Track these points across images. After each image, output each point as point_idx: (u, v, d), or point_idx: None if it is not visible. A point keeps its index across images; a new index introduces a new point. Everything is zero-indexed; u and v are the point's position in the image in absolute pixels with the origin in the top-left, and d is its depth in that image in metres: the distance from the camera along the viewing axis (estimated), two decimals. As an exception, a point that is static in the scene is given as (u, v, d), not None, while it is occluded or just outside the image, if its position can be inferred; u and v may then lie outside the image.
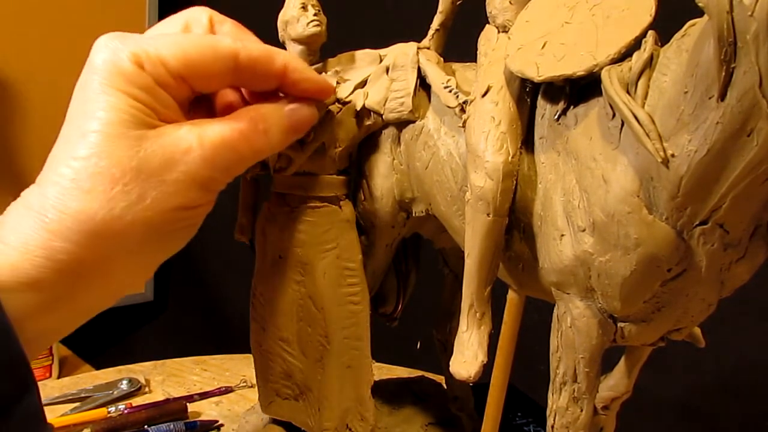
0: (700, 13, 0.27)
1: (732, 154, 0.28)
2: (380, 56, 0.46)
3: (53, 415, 0.65)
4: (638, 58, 0.32)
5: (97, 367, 0.85)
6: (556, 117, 0.37)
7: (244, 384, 0.73)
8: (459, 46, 0.46)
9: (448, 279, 0.55)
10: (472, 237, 0.38)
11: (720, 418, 0.76)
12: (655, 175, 0.31)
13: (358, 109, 0.45)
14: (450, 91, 0.41)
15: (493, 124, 0.37)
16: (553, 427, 0.39)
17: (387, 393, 0.58)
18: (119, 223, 0.31)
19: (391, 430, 0.54)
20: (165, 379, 0.75)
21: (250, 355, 0.51)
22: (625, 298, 0.34)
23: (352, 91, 0.45)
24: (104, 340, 1.40)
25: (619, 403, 0.44)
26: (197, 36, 0.35)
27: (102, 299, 0.34)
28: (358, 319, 0.47)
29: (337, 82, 0.46)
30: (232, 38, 0.36)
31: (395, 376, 0.63)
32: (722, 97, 0.27)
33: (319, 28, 0.45)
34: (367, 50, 0.46)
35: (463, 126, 0.39)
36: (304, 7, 0.45)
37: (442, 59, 0.44)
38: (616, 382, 0.43)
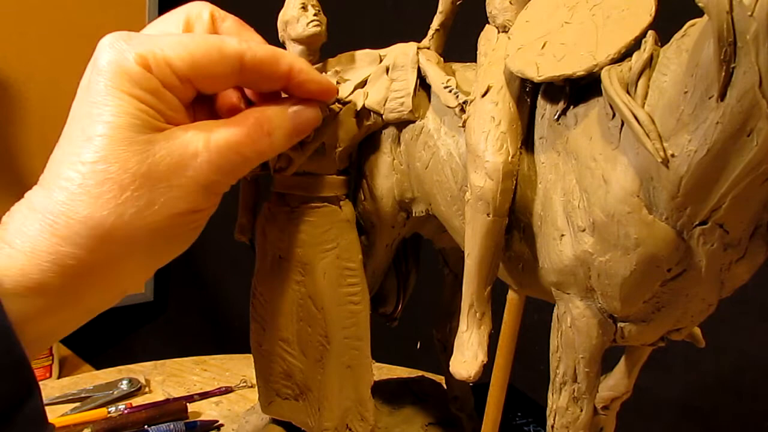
0: (700, 13, 0.27)
1: (732, 154, 0.28)
2: (380, 56, 0.46)
3: (53, 415, 0.65)
4: (638, 58, 0.32)
5: (97, 367, 0.85)
6: (556, 117, 0.37)
7: (244, 384, 0.73)
8: (459, 46, 0.46)
9: (448, 279, 0.55)
10: (472, 237, 0.38)
11: (720, 418, 0.76)
12: (655, 175, 0.31)
13: (358, 109, 0.45)
14: (450, 91, 0.41)
15: (493, 124, 0.37)
16: (553, 427, 0.39)
17: (387, 393, 0.58)
18: (128, 228, 0.31)
19: (391, 430, 0.54)
20: (165, 379, 0.75)
21: (250, 355, 0.51)
22: (625, 298, 0.34)
23: (352, 91, 0.45)
24: (104, 340, 1.40)
25: (619, 403, 0.44)
26: (203, 37, 0.35)
27: (104, 301, 0.34)
28: (358, 319, 0.47)
29: (338, 82, 0.46)
30: (238, 39, 0.35)
31: (395, 376, 0.63)
32: (722, 97, 0.27)
33: (319, 28, 0.45)
34: (367, 50, 0.46)
35: (463, 126, 0.39)
36: (304, 7, 0.45)
37: (442, 59, 0.44)
38: (616, 382, 0.43)
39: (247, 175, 0.49)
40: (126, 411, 0.66)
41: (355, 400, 0.48)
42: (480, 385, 0.45)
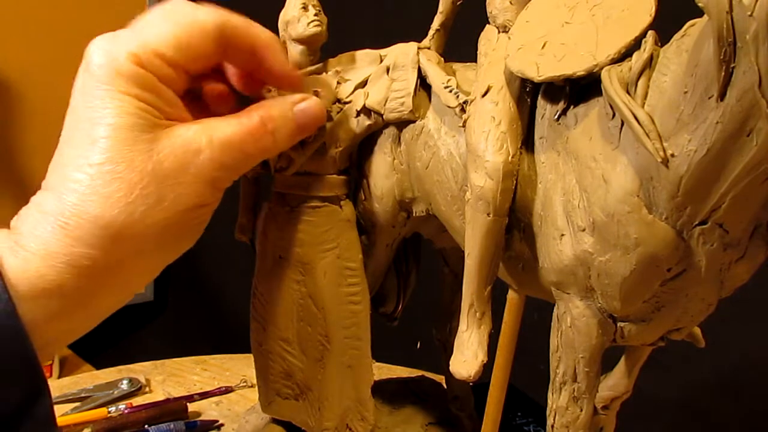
0: (700, 13, 0.27)
1: (731, 154, 0.28)
2: (380, 56, 0.46)
3: (53, 414, 0.65)
4: (638, 58, 0.32)
5: (98, 367, 0.85)
6: (556, 117, 0.37)
7: (245, 384, 0.73)
8: (459, 46, 0.46)
9: (448, 279, 0.55)
10: (472, 237, 0.38)
11: (720, 418, 0.76)
12: (655, 175, 0.31)
13: (359, 109, 0.45)
14: (450, 91, 0.41)
15: (493, 124, 0.37)
16: (552, 426, 0.39)
17: (387, 393, 0.58)
18: (139, 226, 0.32)
19: (391, 430, 0.54)
20: (165, 378, 0.75)
21: (250, 355, 0.51)
22: (624, 297, 0.34)
23: (353, 91, 0.45)
24: (104, 340, 1.40)
25: (619, 402, 0.44)
26: (180, 17, 0.35)
27: (115, 302, 0.34)
28: (358, 319, 0.47)
29: (338, 82, 0.46)
30: (210, 8, 0.35)
31: (395, 376, 0.63)
32: (722, 96, 0.27)
33: (319, 28, 0.45)
34: (368, 50, 0.46)
35: (464, 126, 0.39)
36: (305, 7, 0.45)
37: (442, 59, 0.44)
38: (616, 382, 0.43)
39: (247, 175, 0.49)
40: (126, 411, 0.66)
41: (355, 400, 0.48)
42: (480, 385, 0.45)
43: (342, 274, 0.47)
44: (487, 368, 0.41)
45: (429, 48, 0.45)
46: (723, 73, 0.26)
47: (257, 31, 0.37)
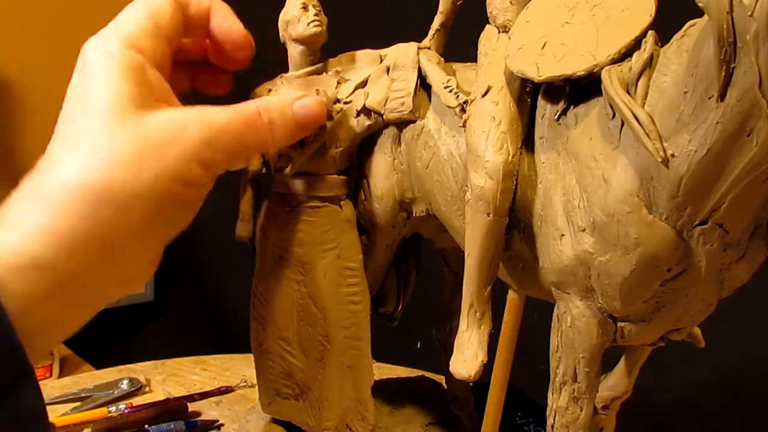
0: (700, 13, 0.27)
1: (732, 154, 0.28)
2: (380, 56, 0.46)
3: (53, 414, 0.65)
4: (638, 58, 0.32)
5: (98, 367, 0.85)
6: (556, 117, 0.37)
7: (245, 384, 0.73)
8: (459, 46, 0.46)
9: (448, 279, 0.55)
10: (472, 237, 0.38)
11: (720, 418, 0.76)
12: (655, 175, 0.31)
13: (359, 109, 0.45)
14: (450, 91, 0.41)
15: (493, 124, 0.37)
16: (553, 426, 0.39)
17: (387, 393, 0.58)
18: (119, 195, 0.31)
19: (391, 430, 0.54)
20: (165, 378, 0.75)
21: (251, 355, 0.51)
22: (624, 297, 0.34)
23: (353, 91, 0.45)
24: (104, 340, 1.40)
25: (619, 402, 0.44)
26: (147, 3, 0.36)
27: (105, 286, 0.33)
28: (358, 319, 0.47)
29: (338, 82, 0.46)
30: None
31: (395, 376, 0.63)
32: (722, 97, 0.27)
33: (319, 28, 0.45)
34: (368, 50, 0.46)
35: (464, 126, 0.39)
36: (305, 7, 0.45)
37: (442, 59, 0.44)
38: (616, 382, 0.43)
39: (247, 175, 0.49)
40: (126, 411, 0.65)
41: (355, 400, 0.48)
42: (480, 385, 0.45)
43: (342, 274, 0.47)
44: (487, 368, 0.41)
45: (429, 48, 0.45)
46: (723, 74, 0.26)
47: None
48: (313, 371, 0.48)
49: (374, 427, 0.48)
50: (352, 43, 0.48)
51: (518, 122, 0.38)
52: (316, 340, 0.48)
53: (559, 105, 0.36)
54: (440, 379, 0.61)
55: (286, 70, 0.47)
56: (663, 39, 0.32)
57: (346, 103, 0.45)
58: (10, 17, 1.19)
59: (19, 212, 0.30)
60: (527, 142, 0.38)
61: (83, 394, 0.69)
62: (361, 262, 0.47)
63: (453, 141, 0.42)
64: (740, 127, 0.27)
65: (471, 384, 0.53)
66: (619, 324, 0.36)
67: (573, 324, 0.37)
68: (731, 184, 0.29)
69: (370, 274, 0.48)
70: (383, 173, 0.46)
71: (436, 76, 0.42)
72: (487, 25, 0.42)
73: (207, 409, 0.68)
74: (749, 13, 0.24)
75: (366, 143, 0.47)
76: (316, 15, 0.45)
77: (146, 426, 0.62)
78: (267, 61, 0.44)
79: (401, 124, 0.45)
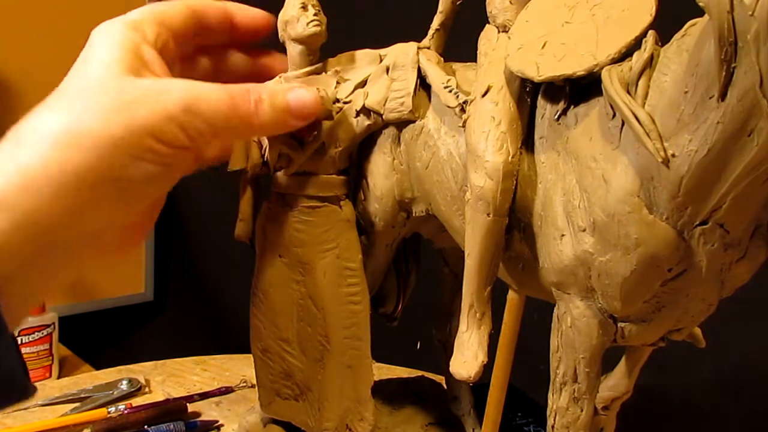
0: (700, 13, 0.27)
1: (732, 154, 0.28)
2: (380, 56, 0.46)
3: (53, 415, 0.65)
4: (638, 58, 0.32)
5: (97, 367, 0.85)
6: (556, 117, 0.37)
7: (244, 384, 0.73)
8: (459, 46, 0.46)
9: (448, 279, 0.55)
10: (472, 237, 0.38)
11: (720, 418, 0.76)
12: (656, 175, 0.31)
13: (358, 108, 0.45)
14: (450, 91, 0.41)
15: (493, 124, 0.37)
16: (553, 427, 0.39)
17: (387, 393, 0.58)
18: (85, 140, 0.31)
19: (391, 430, 0.54)
20: (165, 379, 0.75)
21: (250, 355, 0.51)
22: (625, 297, 0.34)
23: (352, 91, 0.45)
24: (104, 340, 1.40)
25: (619, 403, 0.44)
26: (157, 4, 0.39)
27: (75, 243, 0.33)
28: (358, 319, 0.47)
29: (337, 82, 0.46)
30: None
31: (395, 376, 0.63)
32: (723, 96, 0.27)
33: (319, 28, 0.45)
34: (367, 50, 0.46)
35: (463, 126, 0.39)
36: (304, 7, 0.45)
37: (442, 59, 0.44)
38: (616, 382, 0.43)
39: (247, 175, 0.49)
40: (126, 411, 0.65)
41: (355, 400, 0.48)
42: (480, 385, 0.45)
43: (342, 274, 0.46)
44: (487, 368, 0.41)
45: (429, 48, 0.45)
46: (724, 73, 0.26)
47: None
48: (313, 371, 0.48)
49: (374, 427, 0.48)
50: (351, 43, 0.48)
51: (518, 122, 0.38)
52: (316, 340, 0.47)
53: (559, 105, 0.36)
54: (440, 379, 0.61)
55: (285, 69, 0.47)
56: (663, 39, 0.32)
57: (345, 103, 0.45)
58: (10, 17, 1.19)
59: None
60: (527, 142, 0.38)
61: (83, 395, 0.69)
62: (360, 262, 0.47)
63: (453, 141, 0.42)
64: (741, 127, 0.27)
65: (471, 384, 0.53)
66: (620, 324, 0.36)
67: (573, 324, 0.37)
68: (732, 184, 0.29)
69: (369, 274, 0.48)
70: (383, 173, 0.46)
71: (435, 75, 0.42)
72: (487, 25, 0.42)
73: (207, 410, 0.68)
74: (750, 13, 0.24)
75: (365, 143, 0.47)
76: (315, 15, 0.45)
77: (146, 426, 0.62)
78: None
79: (401, 124, 0.44)
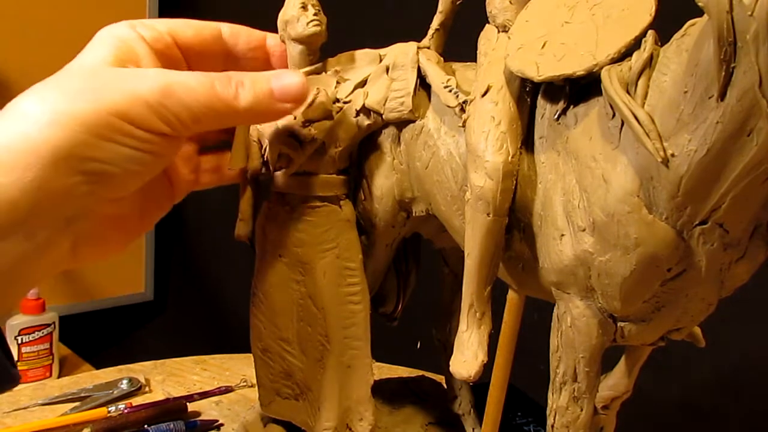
0: (700, 13, 0.27)
1: (732, 153, 0.28)
2: (380, 56, 0.46)
3: (53, 414, 0.65)
4: (638, 58, 0.32)
5: (97, 367, 0.85)
6: (556, 117, 0.37)
7: (244, 384, 0.73)
8: (459, 46, 0.46)
9: (448, 279, 0.55)
10: (472, 237, 0.38)
11: (720, 418, 0.76)
12: (655, 175, 0.31)
13: (358, 108, 0.45)
14: (450, 91, 0.41)
15: (493, 124, 0.37)
16: (553, 426, 0.39)
17: (387, 393, 0.58)
18: (46, 114, 0.32)
19: (391, 430, 0.54)
20: (165, 378, 0.75)
21: (250, 355, 0.51)
22: (625, 297, 0.34)
23: (352, 91, 0.45)
24: (104, 339, 1.41)
25: (619, 402, 0.44)
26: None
27: (46, 223, 0.33)
28: (358, 319, 0.47)
29: (337, 82, 0.46)
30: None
31: (395, 376, 0.63)
32: (722, 96, 0.27)
33: (319, 28, 0.45)
34: (367, 50, 0.46)
35: (463, 126, 0.39)
36: (304, 7, 0.45)
37: (442, 59, 0.44)
38: (616, 382, 0.43)
39: (247, 174, 0.49)
40: (126, 410, 0.65)
41: (355, 400, 0.48)
42: (480, 385, 0.45)
43: (341, 274, 0.46)
44: (487, 368, 0.41)
45: (429, 48, 0.45)
46: (723, 73, 0.26)
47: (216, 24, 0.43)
48: (313, 371, 0.48)
49: (374, 427, 0.48)
50: (351, 42, 0.48)
51: (518, 122, 0.38)
52: (316, 340, 0.47)
53: (559, 105, 0.36)
54: (440, 379, 0.61)
55: (285, 69, 0.47)
56: (663, 39, 0.32)
57: (345, 102, 0.45)
58: (10, 17, 1.19)
59: None
60: (527, 142, 0.38)
61: (83, 394, 0.69)
62: (360, 262, 0.47)
63: (453, 141, 0.42)
64: (740, 127, 0.27)
65: (471, 384, 0.53)
66: (619, 324, 0.36)
67: (573, 324, 0.37)
68: (731, 183, 0.29)
69: (369, 274, 0.48)
70: (383, 173, 0.46)
71: (435, 75, 0.42)
72: (487, 25, 0.42)
73: (207, 409, 0.68)
74: (749, 13, 0.24)
75: (365, 143, 0.47)
76: (315, 14, 0.45)
77: (146, 426, 0.62)
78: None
79: (401, 123, 0.44)
